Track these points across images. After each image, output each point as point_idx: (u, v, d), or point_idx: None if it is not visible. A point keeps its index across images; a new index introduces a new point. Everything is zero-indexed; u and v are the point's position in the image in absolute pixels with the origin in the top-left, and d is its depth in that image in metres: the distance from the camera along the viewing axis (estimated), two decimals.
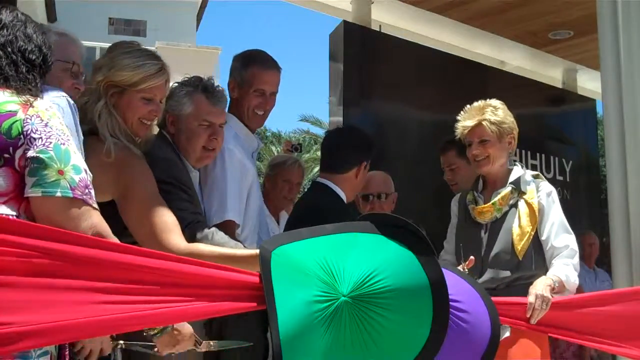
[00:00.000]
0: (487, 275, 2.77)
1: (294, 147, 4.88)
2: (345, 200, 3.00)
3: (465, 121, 2.92)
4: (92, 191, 1.55)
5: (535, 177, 2.93)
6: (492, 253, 2.80)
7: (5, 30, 1.65)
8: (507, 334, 2.59)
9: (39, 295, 1.38)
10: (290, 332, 1.63)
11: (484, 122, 2.86)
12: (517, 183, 2.86)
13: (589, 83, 6.35)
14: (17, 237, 1.38)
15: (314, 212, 2.84)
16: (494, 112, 2.89)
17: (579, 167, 6.07)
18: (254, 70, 2.92)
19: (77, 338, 1.49)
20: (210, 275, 1.64)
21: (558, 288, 2.66)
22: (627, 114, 3.14)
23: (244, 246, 2.43)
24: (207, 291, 1.61)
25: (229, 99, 2.91)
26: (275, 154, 18.45)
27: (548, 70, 6.26)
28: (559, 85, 6.34)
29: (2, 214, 1.46)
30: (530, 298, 2.49)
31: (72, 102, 1.89)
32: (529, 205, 2.80)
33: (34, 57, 1.67)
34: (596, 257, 5.77)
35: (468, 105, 2.97)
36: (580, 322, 2.55)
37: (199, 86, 2.63)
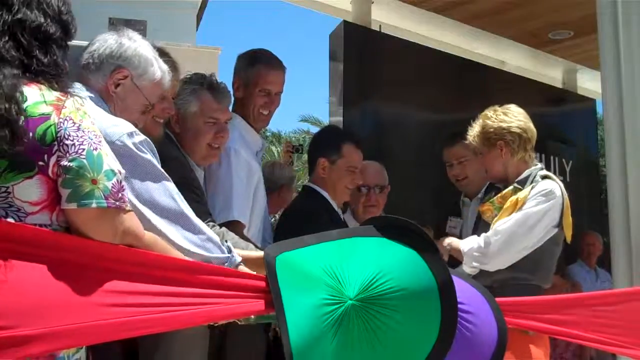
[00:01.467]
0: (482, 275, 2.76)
1: (295, 148, 4.85)
2: (330, 199, 3.06)
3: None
4: (125, 191, 1.52)
5: (544, 177, 2.88)
6: None
7: (9, 9, 1.50)
8: None
9: (47, 298, 1.37)
10: (301, 336, 1.62)
11: (470, 137, 2.98)
12: (522, 182, 2.84)
13: (589, 83, 6.35)
14: (21, 242, 1.37)
15: (292, 214, 3.04)
16: (481, 123, 2.95)
17: (579, 167, 6.06)
18: (260, 69, 2.92)
19: (86, 342, 1.48)
20: (217, 279, 1.63)
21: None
22: (627, 114, 3.13)
23: (255, 246, 2.44)
24: (215, 295, 1.60)
25: (233, 99, 2.91)
26: (276, 154, 18.43)
27: (548, 70, 6.25)
28: (559, 85, 6.34)
29: (36, 224, 1.44)
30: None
31: (141, 140, 1.83)
32: (511, 202, 2.78)
33: (51, 31, 1.55)
34: (597, 257, 5.76)
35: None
36: (580, 322, 2.54)
37: (204, 83, 2.63)
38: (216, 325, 2.21)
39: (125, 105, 1.99)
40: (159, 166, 1.85)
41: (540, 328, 2.51)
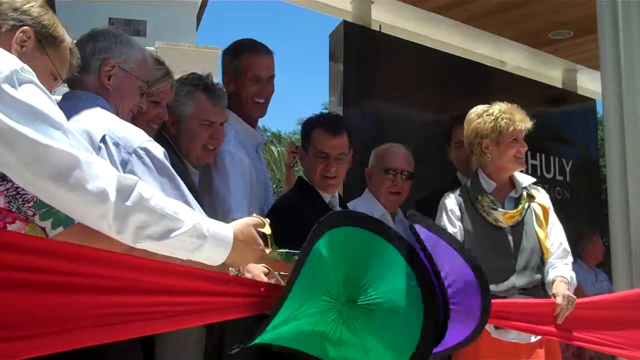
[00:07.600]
0: (522, 279, 2.76)
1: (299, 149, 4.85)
2: (315, 185, 2.84)
3: (522, 122, 2.93)
4: None
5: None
6: (524, 256, 2.79)
7: None
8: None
9: (35, 304, 1.36)
10: (286, 324, 1.64)
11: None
12: (527, 187, 2.93)
13: (589, 83, 6.34)
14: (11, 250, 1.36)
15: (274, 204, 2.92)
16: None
17: (579, 167, 6.06)
18: (245, 57, 2.86)
19: (73, 346, 1.47)
20: (204, 281, 1.63)
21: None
22: (627, 114, 3.14)
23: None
24: (202, 298, 1.60)
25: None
26: (276, 154, 18.41)
27: (548, 70, 6.26)
28: (559, 85, 6.34)
29: None
30: (558, 299, 2.54)
31: (159, 147, 1.87)
32: (542, 207, 2.87)
33: None
34: (598, 259, 5.79)
35: (507, 105, 2.95)
36: (581, 325, 2.55)
37: (199, 85, 2.60)
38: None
39: (122, 94, 2.03)
40: (173, 171, 1.88)
41: (537, 330, 2.52)
